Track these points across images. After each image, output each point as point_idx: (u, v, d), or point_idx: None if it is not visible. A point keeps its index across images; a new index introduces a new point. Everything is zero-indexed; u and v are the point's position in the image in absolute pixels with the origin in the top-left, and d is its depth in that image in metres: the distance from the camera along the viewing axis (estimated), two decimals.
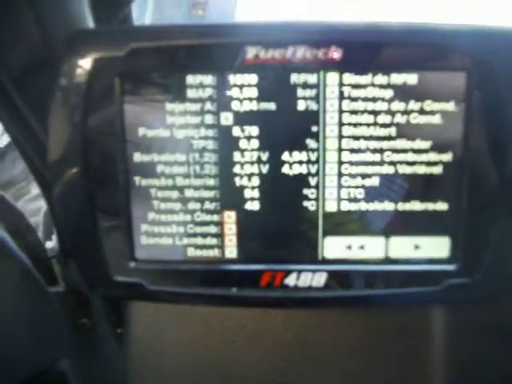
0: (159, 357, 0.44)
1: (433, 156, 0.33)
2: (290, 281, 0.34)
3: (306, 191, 0.34)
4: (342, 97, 0.32)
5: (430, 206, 0.34)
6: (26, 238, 0.51)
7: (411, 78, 0.32)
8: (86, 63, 0.32)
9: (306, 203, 0.34)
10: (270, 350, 0.42)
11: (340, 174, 0.33)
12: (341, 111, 0.33)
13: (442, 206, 0.34)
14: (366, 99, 0.32)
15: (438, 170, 0.33)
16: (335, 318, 0.41)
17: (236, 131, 0.33)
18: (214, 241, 0.35)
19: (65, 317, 0.52)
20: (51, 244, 0.54)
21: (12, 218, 0.50)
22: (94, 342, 0.58)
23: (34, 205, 1.12)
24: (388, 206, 0.34)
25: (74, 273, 0.53)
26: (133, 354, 0.45)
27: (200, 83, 0.32)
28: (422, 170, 0.33)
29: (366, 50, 0.32)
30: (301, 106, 0.32)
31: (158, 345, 0.44)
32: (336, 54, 0.31)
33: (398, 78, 0.32)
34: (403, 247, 0.34)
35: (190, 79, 0.32)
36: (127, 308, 0.44)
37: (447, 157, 0.33)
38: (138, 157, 0.34)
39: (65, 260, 0.53)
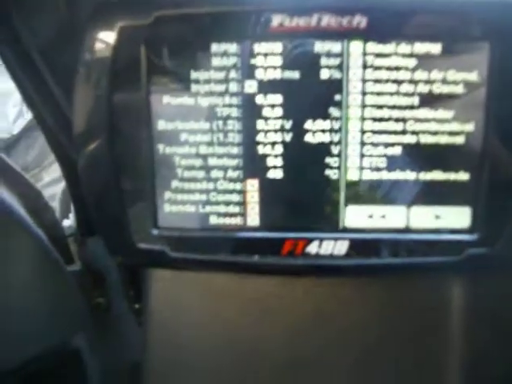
0: (177, 329, 0.44)
1: (455, 126, 0.33)
2: (312, 249, 0.35)
3: (328, 160, 0.34)
4: (365, 66, 0.33)
5: (452, 176, 0.34)
6: (44, 216, 0.51)
7: (435, 48, 0.32)
8: (111, 32, 0.32)
9: (328, 172, 0.34)
10: (288, 322, 0.42)
11: (362, 143, 0.34)
12: (364, 80, 0.33)
13: (463, 176, 0.34)
14: (389, 68, 0.33)
15: (460, 140, 0.33)
16: (353, 291, 0.41)
17: (260, 99, 0.33)
18: (236, 209, 0.35)
19: (81, 296, 0.53)
20: (68, 222, 0.55)
21: (30, 196, 0.50)
22: (108, 321, 0.58)
23: (47, 191, 1.13)
24: (410, 175, 0.34)
25: (91, 251, 0.54)
26: (151, 327, 0.45)
27: (225, 51, 0.33)
28: (444, 139, 0.33)
29: (390, 18, 0.32)
30: (324, 74, 0.33)
31: (176, 317, 0.44)
32: (360, 22, 0.32)
33: (421, 48, 0.32)
34: (424, 217, 0.35)
35: (215, 47, 0.33)
36: (145, 282, 0.45)
37: (469, 127, 0.33)
38: (162, 125, 0.34)
39: (81, 239, 0.54)
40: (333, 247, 0.35)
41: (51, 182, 1.22)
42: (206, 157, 0.35)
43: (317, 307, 0.42)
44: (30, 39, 0.36)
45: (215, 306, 0.43)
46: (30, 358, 0.45)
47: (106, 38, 0.33)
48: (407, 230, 0.35)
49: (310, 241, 0.35)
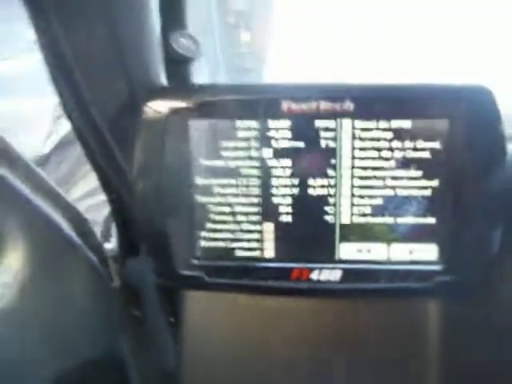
0: (208, 341, 0.53)
1: (424, 182, 0.42)
2: (314, 276, 0.45)
3: (326, 208, 0.44)
4: (354, 137, 0.42)
5: (422, 220, 0.43)
6: (88, 239, 0.57)
7: (406, 124, 0.42)
8: (164, 111, 0.43)
9: (326, 217, 0.44)
10: (298, 336, 0.51)
11: (352, 195, 0.43)
12: (353, 148, 0.43)
13: (431, 221, 0.43)
14: (372, 139, 0.42)
15: (427, 192, 0.43)
16: (352, 311, 0.50)
17: (274, 162, 0.43)
18: (256, 244, 0.45)
19: (122, 309, 0.61)
20: (110, 245, 0.63)
21: (77, 222, 0.56)
22: (142, 334, 0.66)
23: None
24: (389, 220, 0.44)
25: (129, 271, 0.62)
26: (186, 339, 0.54)
27: (247, 127, 0.43)
28: (415, 192, 0.43)
29: (371, 103, 0.42)
30: (323, 144, 0.43)
31: (206, 331, 0.53)
32: (349, 106, 0.42)
33: (396, 124, 0.42)
34: (401, 251, 0.44)
35: (239, 123, 0.43)
36: (182, 301, 0.53)
37: (435, 183, 0.42)
38: (199, 180, 0.44)
39: (122, 260, 0.62)
40: (329, 274, 0.44)
41: (78, 199, 1.31)
42: (232, 205, 0.45)
43: (319, 321, 0.51)
44: (99, 110, 0.46)
45: (238, 321, 0.52)
46: (81, 362, 0.52)
47: (160, 115, 0.43)
48: (388, 261, 0.44)
49: (312, 269, 0.44)
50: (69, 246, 0.52)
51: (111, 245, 0.63)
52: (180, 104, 0.43)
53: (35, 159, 1.45)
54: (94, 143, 0.49)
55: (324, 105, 0.42)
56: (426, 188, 0.43)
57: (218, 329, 0.53)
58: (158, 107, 0.43)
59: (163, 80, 0.47)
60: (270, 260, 0.45)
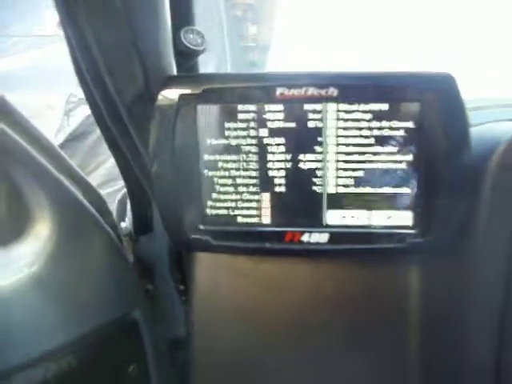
0: (215, 300, 0.60)
1: (399, 157, 0.49)
2: (305, 238, 0.51)
3: (314, 180, 0.50)
4: (338, 118, 0.49)
5: (398, 190, 0.50)
6: (106, 219, 0.64)
7: (383, 106, 0.48)
8: (175, 96, 0.50)
9: (314, 187, 0.51)
10: (293, 294, 0.58)
11: (337, 169, 0.50)
12: (337, 128, 0.49)
13: (406, 190, 0.50)
14: (353, 120, 0.49)
15: (402, 166, 0.49)
16: (338, 271, 0.57)
17: (269, 140, 0.50)
18: (254, 212, 0.52)
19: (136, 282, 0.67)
20: (124, 224, 0.71)
21: (97, 203, 0.63)
22: (157, 303, 0.73)
23: None
24: (370, 189, 0.50)
25: (142, 247, 0.70)
26: (195, 304, 0.61)
27: (247, 109, 0.50)
28: (391, 166, 0.49)
29: (353, 89, 0.49)
30: (311, 124, 0.49)
31: (214, 296, 0.60)
32: (334, 91, 0.48)
33: (374, 106, 0.48)
34: (380, 217, 0.51)
35: (240, 107, 0.50)
36: (191, 268, 0.60)
37: (409, 157, 0.49)
38: (206, 157, 0.51)
39: (136, 237, 0.69)
40: (318, 237, 0.51)
41: None
42: (234, 178, 0.51)
43: (311, 283, 0.57)
44: (120, 100, 0.53)
45: (244, 287, 0.59)
46: (98, 328, 0.58)
47: (172, 101, 0.50)
48: (369, 226, 0.51)
49: (303, 233, 0.51)
50: (91, 221, 0.60)
51: (125, 224, 0.70)
52: (189, 91, 0.50)
53: None
54: (113, 127, 0.56)
55: (312, 90, 0.49)
56: (401, 162, 0.49)
57: (225, 294, 0.60)
58: (170, 94, 0.50)
59: (174, 70, 0.54)
60: (266, 225, 0.52)
